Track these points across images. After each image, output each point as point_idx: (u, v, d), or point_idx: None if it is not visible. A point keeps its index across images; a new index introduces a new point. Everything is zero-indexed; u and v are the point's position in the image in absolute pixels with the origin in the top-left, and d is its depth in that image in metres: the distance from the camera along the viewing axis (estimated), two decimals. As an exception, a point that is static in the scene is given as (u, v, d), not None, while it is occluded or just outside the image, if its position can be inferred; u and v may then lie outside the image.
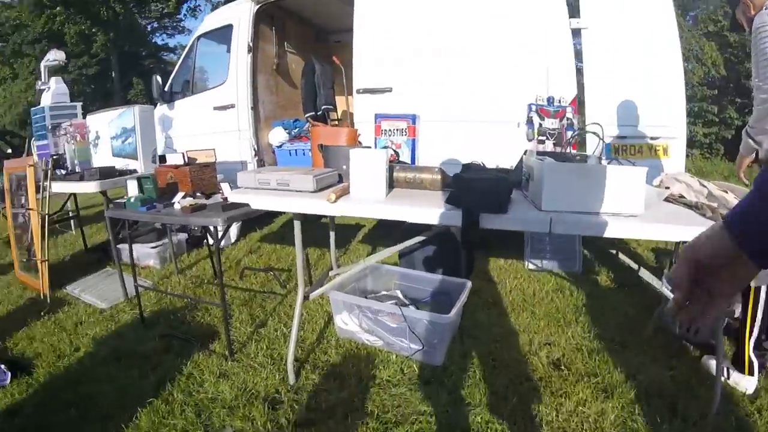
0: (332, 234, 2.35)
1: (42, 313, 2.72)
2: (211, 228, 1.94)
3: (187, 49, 4.83)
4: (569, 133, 2.02)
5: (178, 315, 2.59)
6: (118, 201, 2.55)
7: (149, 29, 21.88)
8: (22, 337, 2.47)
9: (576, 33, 3.01)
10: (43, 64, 4.87)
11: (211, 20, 4.58)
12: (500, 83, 3.03)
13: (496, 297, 2.72)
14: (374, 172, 1.39)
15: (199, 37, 4.65)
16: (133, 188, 2.45)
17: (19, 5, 17.49)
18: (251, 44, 4.07)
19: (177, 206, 2.17)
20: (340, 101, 4.63)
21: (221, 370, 2.01)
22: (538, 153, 1.68)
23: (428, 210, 1.30)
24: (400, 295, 2.40)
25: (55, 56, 4.87)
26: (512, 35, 3.00)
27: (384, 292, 2.43)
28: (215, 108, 4.27)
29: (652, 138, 3.00)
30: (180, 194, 2.37)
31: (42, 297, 2.91)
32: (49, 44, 17.06)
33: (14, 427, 1.75)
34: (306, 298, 1.84)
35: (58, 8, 16.72)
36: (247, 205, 1.58)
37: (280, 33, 4.74)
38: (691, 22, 12.76)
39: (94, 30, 17.57)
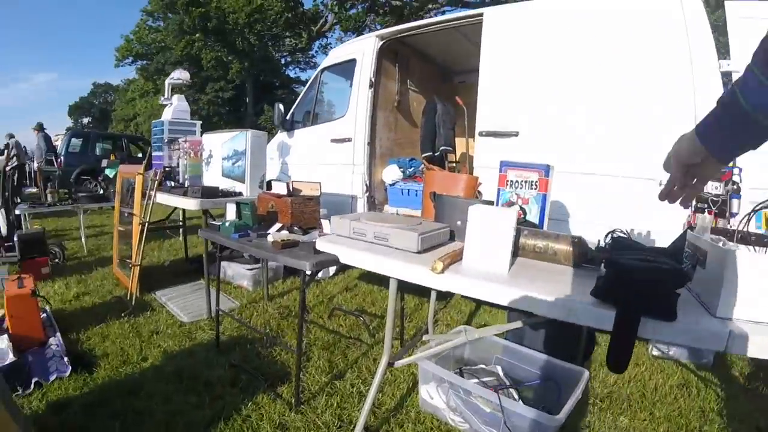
0: (433, 293, 2.08)
1: (123, 314, 2.78)
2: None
3: (311, 80, 5.00)
4: (735, 202, 1.56)
5: (255, 346, 2.49)
6: (214, 222, 2.55)
7: (283, 62, 24.02)
8: (96, 332, 2.52)
9: (726, 76, 2.49)
10: (167, 81, 5.29)
11: (336, 54, 4.69)
12: (642, 133, 2.57)
13: (612, 387, 2.24)
14: (498, 237, 1.12)
15: (323, 70, 4.78)
16: (231, 212, 2.45)
17: (165, 30, 20.31)
18: (373, 79, 4.04)
19: (269, 238, 2.06)
20: (459, 144, 4.41)
21: (282, 420, 1.84)
22: (714, 231, 1.27)
23: (565, 302, 0.98)
24: (501, 373, 2.04)
25: (180, 75, 5.28)
26: (657, 78, 2.55)
27: (482, 366, 2.09)
28: (332, 140, 4.30)
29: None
30: (277, 225, 2.28)
31: (128, 297, 3.00)
32: (189, 66, 19.55)
33: (55, 422, 1.74)
34: (391, 364, 1.58)
35: (197, 35, 19.06)
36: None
37: (403, 70, 4.69)
38: None
39: (230, 58, 19.70)
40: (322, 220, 2.35)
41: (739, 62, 2.46)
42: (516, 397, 1.88)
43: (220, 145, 3.40)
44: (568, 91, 2.79)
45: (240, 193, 3.18)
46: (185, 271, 3.83)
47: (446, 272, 1.11)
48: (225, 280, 3.62)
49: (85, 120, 38.66)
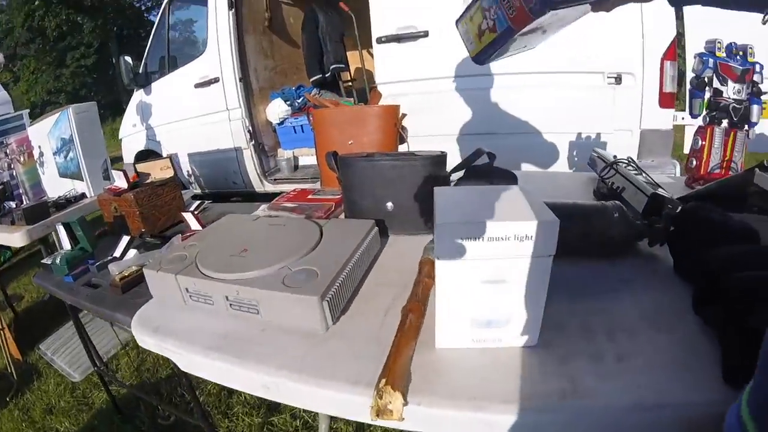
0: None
1: (8, 398, 2.08)
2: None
3: (158, 17, 3.82)
4: (755, 109, 1.04)
5: (164, 394, 1.85)
6: (46, 261, 1.66)
7: (143, 8, 20.43)
8: None
9: None
10: None
11: None
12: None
13: None
14: (526, 283, 0.45)
15: (170, 2, 3.64)
16: (65, 238, 1.56)
17: (8, 7, 16.51)
18: None
19: (112, 271, 1.26)
20: (353, 58, 3.61)
21: None
22: None
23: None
24: None
25: None
26: None
27: None
28: (196, 85, 3.33)
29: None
30: (124, 241, 1.43)
31: (10, 370, 2.22)
32: (43, 41, 16.21)
33: None
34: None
35: (37, 2, 15.60)
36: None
37: (270, -20, 3.70)
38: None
39: (79, 19, 16.42)
40: (184, 213, 1.54)
41: None
42: None
43: (47, 137, 2.38)
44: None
45: (83, 196, 2.25)
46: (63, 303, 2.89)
47: (414, 398, 0.44)
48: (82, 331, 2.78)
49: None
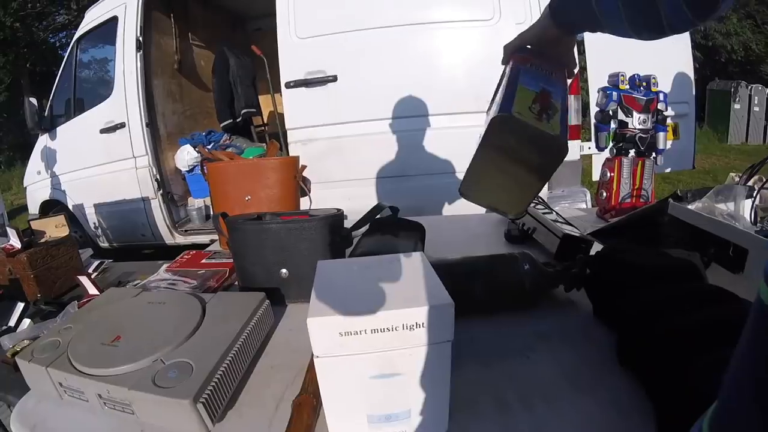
0: None
1: None
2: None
3: (65, 58, 3.57)
4: (661, 136, 1.10)
5: None
6: None
7: (57, 44, 19.21)
8: None
9: None
10: None
11: (92, 15, 3.31)
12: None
13: None
14: (426, 377, 0.38)
15: (78, 40, 3.41)
16: None
17: None
18: (141, 39, 2.89)
19: (4, 345, 1.08)
20: (265, 102, 3.54)
21: None
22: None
23: None
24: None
25: None
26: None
27: None
28: (101, 131, 3.07)
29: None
30: (18, 308, 1.26)
31: None
32: None
33: None
34: None
35: None
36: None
37: (181, 21, 3.57)
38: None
39: None
40: (79, 276, 1.38)
41: None
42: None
43: None
44: (395, 19, 2.17)
45: None
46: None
47: None
48: None
49: None
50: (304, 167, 1.14)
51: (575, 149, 2.21)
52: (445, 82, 2.15)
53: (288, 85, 2.26)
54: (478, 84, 2.10)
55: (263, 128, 3.72)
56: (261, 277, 0.74)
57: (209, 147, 3.24)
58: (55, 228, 1.67)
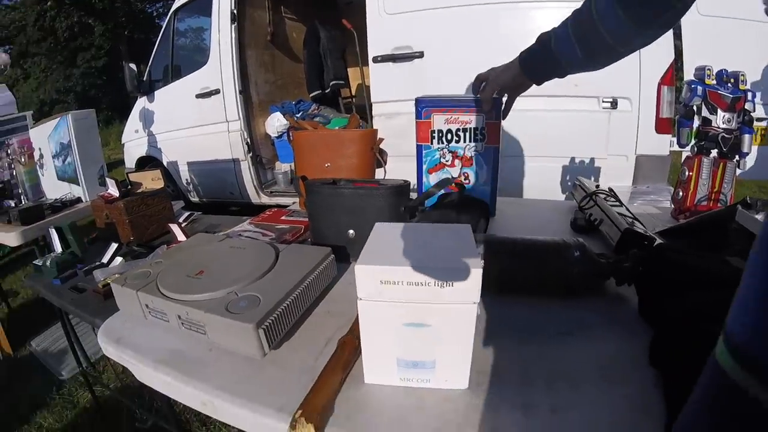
0: None
1: None
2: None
3: (164, 27, 3.87)
4: (746, 138, 1.01)
5: (145, 398, 1.80)
6: (37, 263, 1.68)
7: (154, 14, 20.67)
8: None
9: None
10: None
11: None
12: None
13: None
14: (450, 330, 0.43)
15: (176, 12, 3.67)
16: (56, 241, 1.57)
17: (21, 5, 16.73)
18: (235, 11, 3.07)
19: (97, 277, 1.26)
20: (354, 75, 3.63)
21: None
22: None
23: None
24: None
25: None
26: None
27: None
28: (198, 95, 3.34)
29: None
30: (112, 248, 1.45)
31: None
32: (54, 40, 16.36)
33: None
34: None
35: (49, 3, 15.81)
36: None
37: (274, -6, 3.74)
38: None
39: (90, 21, 16.59)
40: (171, 225, 1.56)
41: None
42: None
43: (47, 140, 2.42)
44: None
45: (78, 200, 2.27)
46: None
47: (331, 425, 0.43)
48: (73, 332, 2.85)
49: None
50: (381, 140, 1.20)
51: (665, 144, 2.08)
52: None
53: (375, 60, 2.33)
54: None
55: (350, 100, 3.82)
56: (331, 235, 0.82)
57: (298, 116, 3.41)
58: (151, 180, 1.86)
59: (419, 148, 1.05)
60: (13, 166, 2.57)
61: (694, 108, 1.01)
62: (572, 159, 2.15)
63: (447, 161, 1.05)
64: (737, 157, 1.00)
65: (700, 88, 0.99)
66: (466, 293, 0.41)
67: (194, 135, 3.48)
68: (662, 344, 0.50)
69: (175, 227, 1.50)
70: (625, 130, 2.09)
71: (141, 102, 3.92)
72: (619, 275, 0.66)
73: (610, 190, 1.03)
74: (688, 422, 0.27)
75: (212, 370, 0.56)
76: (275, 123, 3.34)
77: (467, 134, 1.02)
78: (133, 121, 4.07)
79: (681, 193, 1.03)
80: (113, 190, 1.69)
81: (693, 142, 1.03)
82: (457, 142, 1.02)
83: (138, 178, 1.86)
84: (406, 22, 2.27)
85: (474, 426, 0.43)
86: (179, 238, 1.44)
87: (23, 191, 2.56)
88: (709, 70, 0.99)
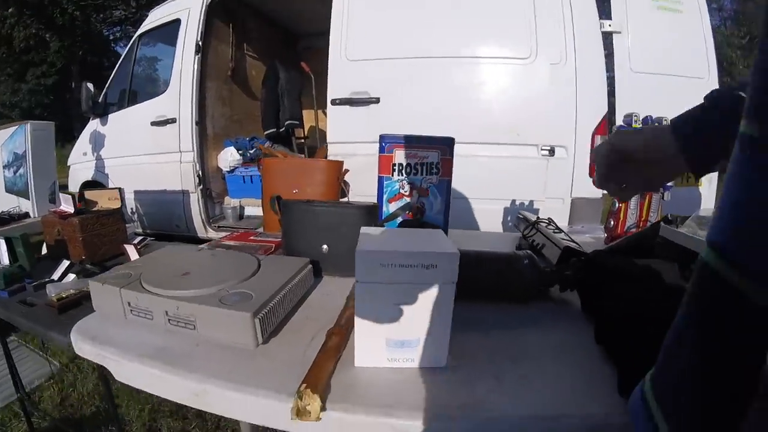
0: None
1: None
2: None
3: (126, 50, 3.90)
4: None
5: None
6: None
7: (111, 38, 20.28)
8: None
9: (606, 36, 2.33)
10: None
11: (156, 15, 3.65)
12: (521, 97, 2.28)
13: None
14: (432, 308, 0.52)
15: (140, 36, 3.74)
16: (4, 253, 1.52)
17: None
18: (200, 43, 3.16)
19: (50, 291, 1.23)
20: (308, 117, 3.76)
21: None
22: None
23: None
24: None
25: None
26: (537, 39, 2.27)
27: None
28: (153, 123, 3.33)
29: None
30: (63, 264, 1.42)
31: None
32: (8, 50, 15.59)
33: None
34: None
35: (10, 10, 15.23)
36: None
37: (239, 32, 3.86)
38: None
39: (47, 35, 16.07)
40: (125, 247, 1.56)
41: (619, 23, 2.34)
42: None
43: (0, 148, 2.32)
44: (438, 51, 2.34)
45: (26, 215, 2.17)
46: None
47: (331, 406, 0.47)
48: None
49: None
50: (346, 171, 1.29)
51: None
52: (481, 113, 2.31)
53: (333, 102, 2.45)
54: (512, 117, 2.25)
55: (303, 140, 3.92)
56: (305, 251, 0.87)
57: (251, 152, 3.45)
58: (107, 200, 1.86)
59: (380, 180, 1.14)
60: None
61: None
62: (513, 201, 2.33)
63: (405, 191, 1.14)
64: (662, 190, 1.17)
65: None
66: (447, 273, 0.50)
67: (145, 162, 3.44)
68: (603, 326, 0.62)
69: (130, 248, 1.51)
70: (561, 175, 2.32)
71: (93, 124, 3.86)
72: (563, 282, 0.77)
73: (550, 219, 1.16)
74: (678, 324, 0.31)
75: (202, 362, 0.59)
76: (228, 157, 3.37)
77: (424, 168, 1.13)
78: (83, 143, 3.97)
79: (612, 222, 1.19)
80: (67, 206, 1.67)
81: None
82: (416, 174, 1.13)
83: (94, 196, 1.85)
84: (364, 69, 2.43)
85: (455, 395, 0.50)
86: (133, 259, 1.44)
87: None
88: (636, 116, 1.18)
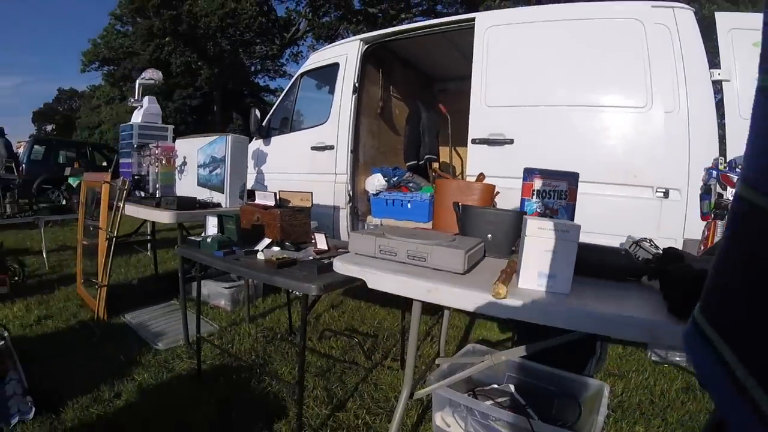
0: (447, 312, 1.95)
1: (92, 340, 2.54)
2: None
3: (289, 85, 4.78)
4: None
5: (242, 375, 2.23)
6: (192, 238, 2.31)
7: (252, 70, 23.34)
8: (62, 365, 2.23)
9: (716, 84, 2.55)
10: (138, 81, 4.81)
11: (317, 58, 4.51)
12: (639, 142, 2.59)
13: (620, 396, 2.23)
14: (561, 254, 0.98)
15: (302, 74, 4.59)
16: (212, 226, 2.19)
17: (133, 34, 19.40)
18: (357, 84, 3.90)
19: (260, 256, 1.87)
20: (442, 153, 4.33)
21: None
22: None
23: (646, 324, 0.88)
24: (513, 391, 1.92)
25: (152, 75, 4.84)
26: (653, 87, 2.57)
27: (495, 386, 1.96)
28: (313, 148, 4.12)
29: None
30: (265, 241, 2.07)
31: (95, 321, 2.77)
32: (165, 74, 18.60)
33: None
34: (411, 395, 1.44)
35: (167, 39, 18.25)
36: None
37: (386, 77, 4.59)
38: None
39: (199, 63, 18.92)
40: (315, 234, 2.16)
41: (728, 71, 2.52)
42: (534, 416, 1.77)
43: (196, 151, 3.17)
44: (564, 99, 2.76)
45: (218, 204, 2.96)
46: (156, 291, 3.50)
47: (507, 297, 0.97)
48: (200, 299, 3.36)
49: (49, 127, 35.91)
50: (497, 193, 1.78)
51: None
52: (602, 156, 2.65)
53: (474, 141, 2.97)
54: (630, 161, 2.57)
55: (435, 173, 4.49)
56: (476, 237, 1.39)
57: (394, 179, 4.08)
58: (299, 200, 2.51)
59: (522, 201, 1.62)
60: (150, 165, 3.34)
61: (711, 187, 1.54)
62: (628, 237, 2.61)
63: (541, 210, 1.61)
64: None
65: (714, 172, 1.52)
66: (572, 235, 0.97)
67: (303, 180, 4.16)
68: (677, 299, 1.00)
69: (320, 236, 2.11)
70: (675, 216, 2.55)
71: (256, 144, 4.74)
72: (649, 272, 1.17)
73: (650, 240, 1.54)
74: (723, 246, 0.35)
75: (431, 275, 1.11)
76: (375, 182, 4.00)
77: (555, 194, 1.58)
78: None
79: (701, 247, 1.54)
80: (268, 201, 2.33)
81: (713, 210, 1.55)
82: (549, 198, 1.59)
83: (288, 196, 2.51)
84: (501, 114, 2.92)
85: (572, 303, 0.97)
86: (320, 246, 2.04)
87: (152, 187, 3.26)
88: (722, 159, 1.53)
